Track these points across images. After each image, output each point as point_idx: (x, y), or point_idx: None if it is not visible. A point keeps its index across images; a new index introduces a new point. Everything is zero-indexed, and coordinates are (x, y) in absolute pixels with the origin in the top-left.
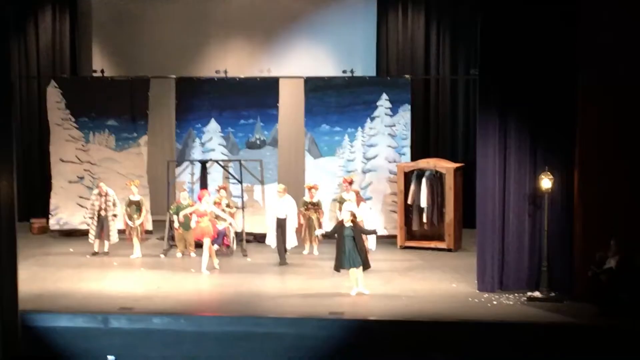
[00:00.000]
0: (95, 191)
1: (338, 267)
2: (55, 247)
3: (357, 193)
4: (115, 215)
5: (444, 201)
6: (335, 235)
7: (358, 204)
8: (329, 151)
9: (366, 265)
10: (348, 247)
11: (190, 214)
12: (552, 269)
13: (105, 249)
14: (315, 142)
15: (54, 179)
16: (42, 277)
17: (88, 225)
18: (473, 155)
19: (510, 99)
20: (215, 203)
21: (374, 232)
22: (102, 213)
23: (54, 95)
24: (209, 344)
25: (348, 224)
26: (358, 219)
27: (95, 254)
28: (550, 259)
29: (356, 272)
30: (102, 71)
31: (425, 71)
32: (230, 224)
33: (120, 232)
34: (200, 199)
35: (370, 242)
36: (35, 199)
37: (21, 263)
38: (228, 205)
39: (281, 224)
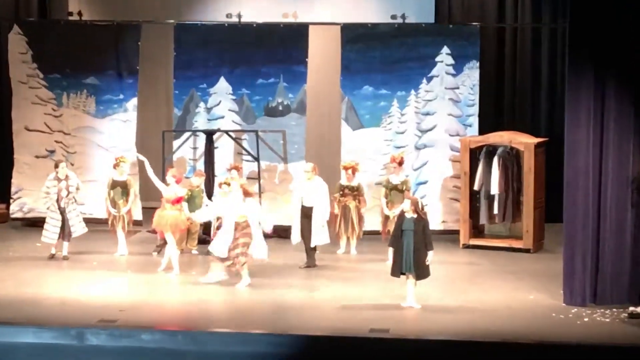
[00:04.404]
0: (52, 175)
1: (396, 271)
2: (17, 241)
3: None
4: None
5: (522, 187)
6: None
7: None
8: (372, 120)
9: (421, 274)
10: (407, 246)
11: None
12: None
13: (64, 252)
14: (354, 109)
15: (16, 153)
16: (0, 278)
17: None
18: (560, 128)
19: (609, 55)
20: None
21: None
22: (63, 204)
23: (17, 44)
24: None
25: (409, 214)
26: None
27: (52, 256)
28: None
29: (408, 280)
30: (80, 13)
31: (499, 18)
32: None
33: (103, 221)
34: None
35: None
36: None
37: None
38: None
39: (308, 214)
